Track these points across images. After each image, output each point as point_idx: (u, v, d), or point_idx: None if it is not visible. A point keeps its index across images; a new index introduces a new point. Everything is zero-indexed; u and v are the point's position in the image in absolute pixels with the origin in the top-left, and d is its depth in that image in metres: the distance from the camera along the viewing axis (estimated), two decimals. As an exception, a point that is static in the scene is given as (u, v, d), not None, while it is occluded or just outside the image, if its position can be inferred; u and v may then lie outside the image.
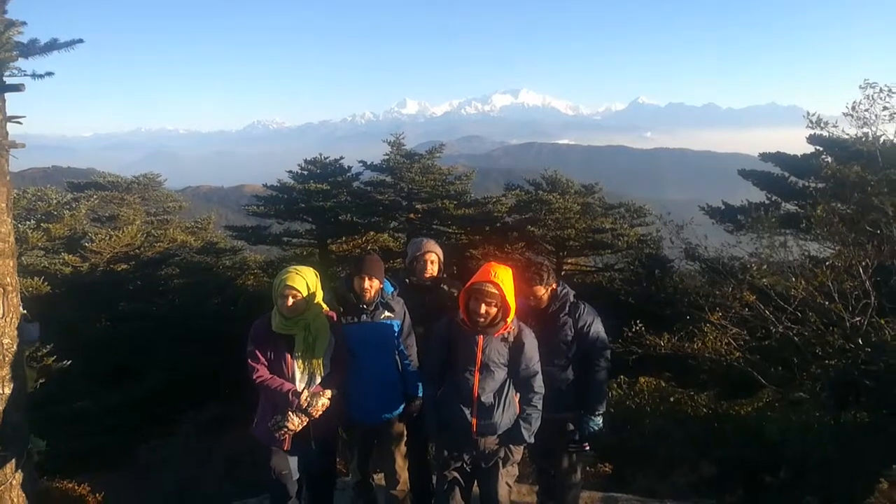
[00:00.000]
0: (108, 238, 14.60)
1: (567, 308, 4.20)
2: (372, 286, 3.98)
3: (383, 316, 4.05)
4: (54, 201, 14.67)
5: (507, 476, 3.79)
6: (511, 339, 3.69)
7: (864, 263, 6.93)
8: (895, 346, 6.94)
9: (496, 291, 3.55)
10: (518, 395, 3.76)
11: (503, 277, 3.59)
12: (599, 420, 4.20)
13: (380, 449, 4.25)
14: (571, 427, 4.21)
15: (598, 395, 4.20)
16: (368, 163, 21.28)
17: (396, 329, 4.09)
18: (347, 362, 3.96)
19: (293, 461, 3.93)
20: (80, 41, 3.91)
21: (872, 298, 6.91)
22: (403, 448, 4.26)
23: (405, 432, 4.26)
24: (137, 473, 10.09)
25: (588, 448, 4.33)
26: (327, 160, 20.69)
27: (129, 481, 9.66)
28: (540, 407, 3.76)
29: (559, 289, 4.25)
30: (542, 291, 4.16)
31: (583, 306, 4.24)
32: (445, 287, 4.45)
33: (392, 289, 4.22)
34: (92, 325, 14.29)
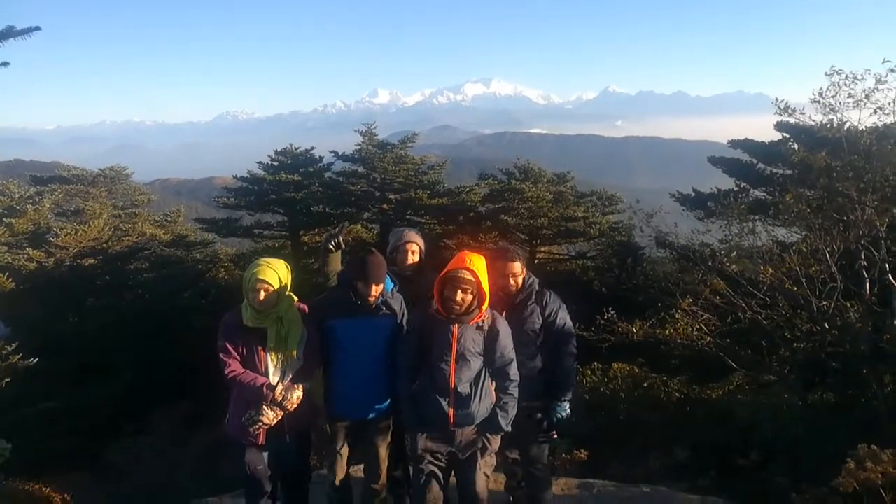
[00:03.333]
0: (73, 232, 14.29)
1: (534, 296, 4.21)
2: (378, 291, 3.88)
3: (381, 314, 3.97)
4: (17, 195, 14.32)
5: (485, 467, 3.78)
6: (486, 327, 3.68)
7: (830, 248, 7.06)
8: (860, 328, 7.10)
9: (472, 278, 3.54)
10: (494, 383, 3.75)
11: (477, 265, 3.58)
12: (567, 406, 4.21)
13: (364, 444, 4.20)
14: (539, 416, 4.22)
15: (566, 381, 4.22)
16: (340, 153, 21.11)
17: (392, 327, 4.00)
18: (337, 357, 3.90)
19: (268, 456, 3.88)
20: (38, 28, 3.77)
21: (838, 282, 7.05)
22: (387, 445, 4.22)
23: (390, 428, 4.21)
24: (108, 473, 9.92)
25: (556, 436, 4.35)
26: (298, 151, 20.50)
27: (99, 481, 9.50)
28: (516, 395, 3.75)
29: (526, 278, 4.27)
30: (520, 270, 4.17)
31: (549, 294, 4.26)
32: (427, 277, 4.40)
33: (392, 285, 4.15)
34: (59, 322, 14.00)
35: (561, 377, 4.20)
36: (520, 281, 4.19)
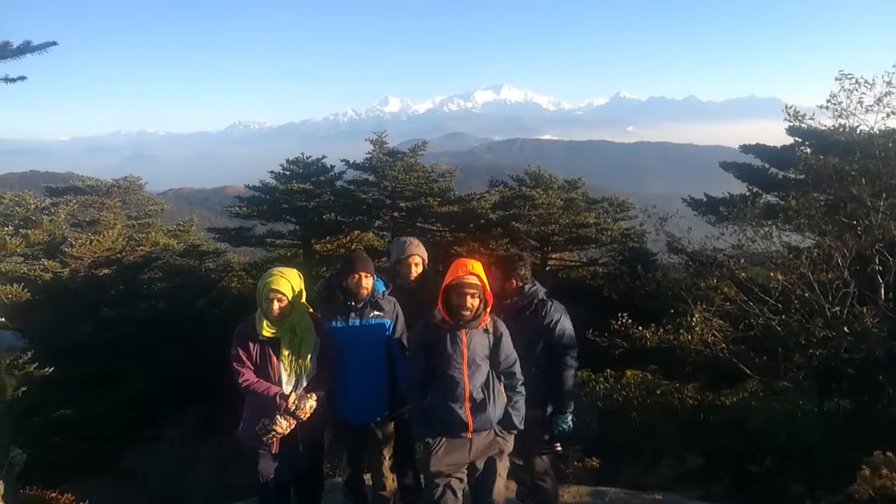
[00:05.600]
0: (88, 243, 14.41)
1: (534, 305, 4.20)
2: (368, 283, 3.97)
3: (372, 315, 4.02)
4: (32, 206, 14.47)
5: (502, 470, 3.80)
6: (491, 330, 3.73)
7: (843, 253, 7.01)
8: (875, 334, 7.03)
9: (478, 283, 3.60)
10: (502, 384, 3.78)
11: (478, 269, 3.65)
12: (569, 419, 4.19)
13: (367, 450, 4.22)
14: (542, 427, 4.19)
15: (566, 394, 4.19)
16: (351, 162, 21.21)
17: (386, 329, 4.05)
18: (334, 363, 3.93)
19: (281, 464, 3.89)
20: (54, 43, 3.86)
21: (852, 287, 6.99)
22: (391, 450, 4.23)
23: (393, 434, 4.23)
24: (123, 480, 10.01)
25: (560, 448, 4.32)
26: (310, 160, 20.60)
27: (114, 488, 9.57)
28: (524, 392, 3.82)
29: (528, 286, 4.25)
30: (506, 276, 4.21)
31: (550, 304, 4.23)
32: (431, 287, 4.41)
33: (384, 288, 4.18)
34: (74, 331, 14.12)
35: (562, 389, 4.17)
36: (508, 284, 4.21)
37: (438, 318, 3.68)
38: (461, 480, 3.77)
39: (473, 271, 3.61)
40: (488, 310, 3.69)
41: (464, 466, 3.74)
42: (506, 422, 3.76)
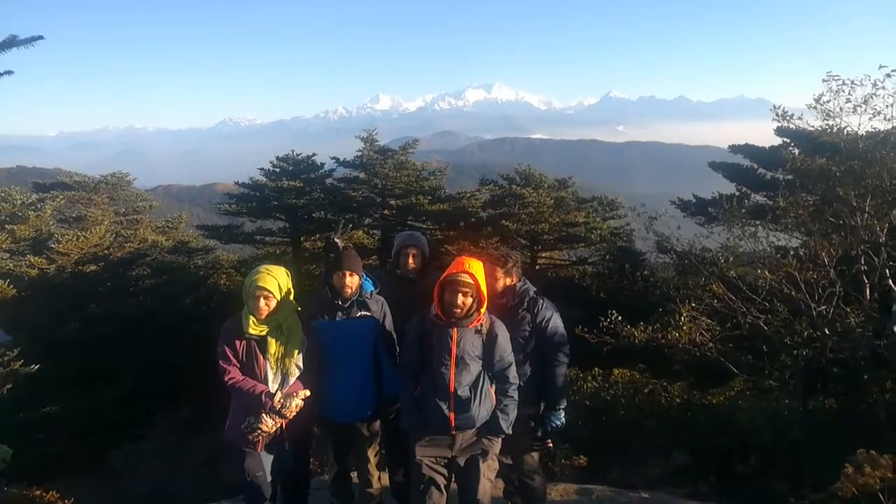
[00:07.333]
0: (75, 239, 14.33)
1: (525, 303, 4.20)
2: (353, 282, 3.96)
3: (359, 314, 4.03)
4: (19, 202, 14.38)
5: (487, 472, 3.78)
6: (484, 331, 3.72)
7: (829, 253, 7.07)
8: (860, 333, 7.10)
9: (471, 281, 3.58)
10: (493, 387, 3.77)
11: (476, 269, 3.63)
12: (561, 415, 4.20)
13: (353, 449, 4.23)
14: (533, 424, 4.20)
15: (559, 390, 4.20)
16: (341, 159, 21.18)
17: (372, 328, 4.06)
18: (320, 360, 3.93)
19: (267, 462, 3.89)
20: (41, 37, 3.81)
21: (837, 287, 7.06)
22: (377, 448, 4.25)
23: (379, 432, 4.24)
24: (109, 478, 9.93)
25: (551, 445, 4.33)
26: (300, 157, 20.57)
27: (100, 486, 9.50)
28: (516, 397, 3.77)
29: (519, 284, 4.25)
30: (501, 276, 4.17)
31: (542, 301, 4.23)
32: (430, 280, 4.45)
33: (372, 288, 4.19)
34: (61, 328, 14.04)
35: (554, 386, 4.17)
36: (500, 283, 4.18)
37: (433, 314, 3.70)
38: (445, 476, 3.78)
39: (469, 270, 3.59)
40: (482, 310, 3.67)
41: (445, 460, 3.76)
42: (492, 425, 3.73)
